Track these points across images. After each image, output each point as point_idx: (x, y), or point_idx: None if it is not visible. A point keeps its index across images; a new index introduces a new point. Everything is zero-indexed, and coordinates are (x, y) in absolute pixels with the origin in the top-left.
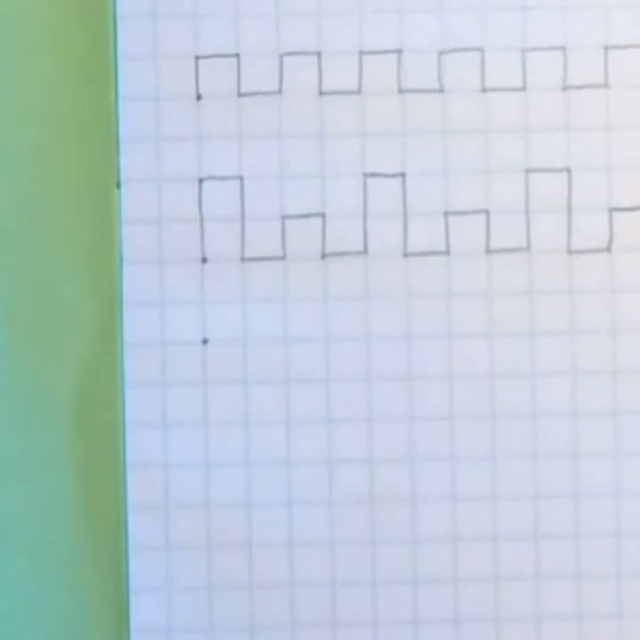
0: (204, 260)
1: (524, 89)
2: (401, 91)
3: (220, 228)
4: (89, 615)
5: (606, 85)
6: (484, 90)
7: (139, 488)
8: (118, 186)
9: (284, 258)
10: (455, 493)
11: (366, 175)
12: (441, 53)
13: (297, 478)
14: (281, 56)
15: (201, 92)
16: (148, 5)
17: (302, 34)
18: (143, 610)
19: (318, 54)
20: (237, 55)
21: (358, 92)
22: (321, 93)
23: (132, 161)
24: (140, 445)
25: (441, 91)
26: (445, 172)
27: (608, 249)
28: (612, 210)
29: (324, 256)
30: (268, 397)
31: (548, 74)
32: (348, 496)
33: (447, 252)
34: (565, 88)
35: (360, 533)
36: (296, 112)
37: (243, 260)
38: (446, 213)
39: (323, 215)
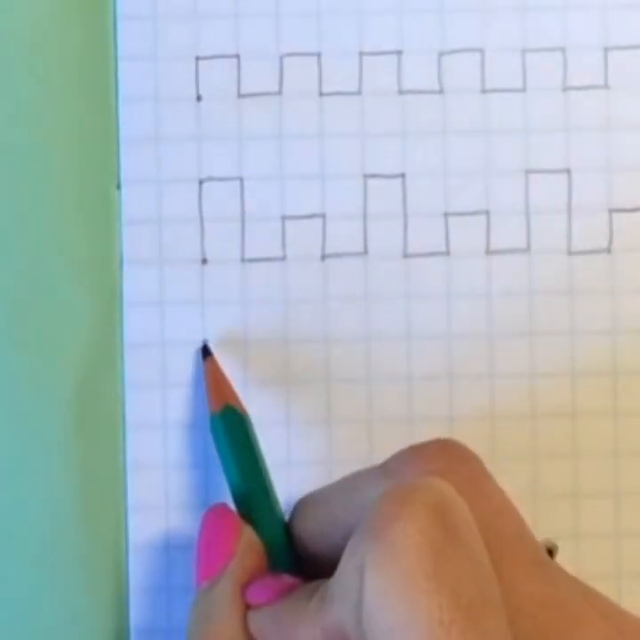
0: (204, 261)
1: (523, 90)
2: (401, 92)
3: (220, 229)
4: (89, 615)
5: (606, 86)
6: (483, 91)
7: (139, 488)
8: (118, 187)
9: (284, 259)
10: None
11: (366, 176)
12: (441, 54)
13: (297, 478)
14: (281, 57)
15: (201, 92)
16: (149, 6)
17: (302, 35)
18: (143, 610)
19: (318, 55)
20: (237, 56)
21: (358, 92)
22: (321, 94)
23: (132, 162)
24: (140, 446)
25: (441, 92)
26: (445, 173)
27: (608, 250)
28: (611, 211)
29: (324, 257)
30: (267, 398)
31: (548, 75)
32: None
33: (447, 253)
34: (565, 89)
35: None
36: (296, 113)
37: (243, 260)
38: (446, 214)
39: (323, 216)
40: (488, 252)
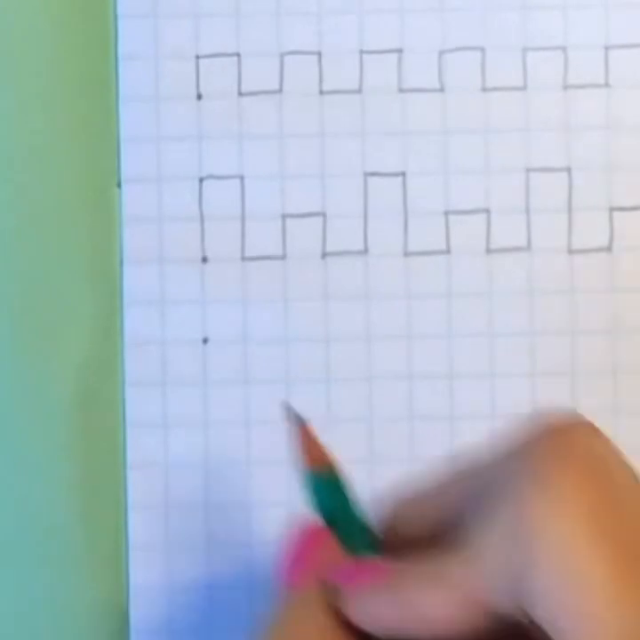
0: (204, 260)
1: (524, 88)
2: (401, 90)
3: (220, 228)
4: (89, 614)
5: (607, 85)
6: (484, 89)
7: (139, 487)
8: (119, 185)
9: (284, 257)
10: None
11: (367, 174)
12: (441, 53)
13: (296, 479)
14: (281, 55)
15: (201, 91)
16: (149, 5)
17: (303, 33)
18: (143, 609)
19: (319, 54)
20: (238, 54)
21: (359, 91)
22: (321, 93)
23: (132, 160)
24: (140, 445)
25: (441, 90)
26: (446, 172)
27: (608, 248)
28: (612, 209)
29: (324, 255)
30: (267, 397)
31: (549, 73)
32: None
33: (447, 252)
34: (566, 88)
35: None
36: (296, 111)
37: (243, 259)
38: (447, 213)
39: (323, 214)
40: (488, 250)
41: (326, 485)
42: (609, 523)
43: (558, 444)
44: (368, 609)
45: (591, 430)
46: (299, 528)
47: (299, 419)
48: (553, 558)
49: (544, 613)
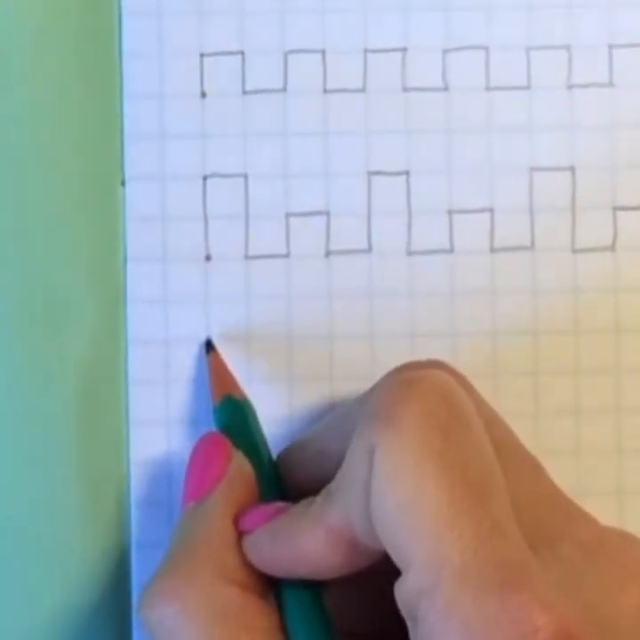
0: (207, 258)
1: (528, 87)
2: (405, 89)
3: (223, 226)
4: (92, 612)
5: (611, 84)
6: (488, 88)
7: (142, 486)
8: (123, 183)
9: (287, 256)
10: None
11: (370, 173)
12: (445, 52)
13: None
14: (286, 54)
15: (206, 89)
16: (153, 2)
17: (307, 32)
18: None
19: (323, 52)
20: (242, 53)
21: (363, 90)
22: (325, 91)
23: (136, 158)
24: (143, 443)
25: (445, 89)
26: (449, 171)
27: (612, 247)
28: (615, 208)
29: (328, 254)
30: (271, 395)
31: (553, 72)
32: None
33: (451, 251)
34: (570, 87)
35: None
36: (300, 110)
37: (246, 257)
38: (450, 212)
39: (327, 213)
40: (492, 249)
41: (232, 411)
42: (445, 450)
43: (406, 381)
44: (260, 551)
45: (439, 373)
46: (204, 441)
47: (210, 347)
48: (389, 483)
49: (384, 536)
